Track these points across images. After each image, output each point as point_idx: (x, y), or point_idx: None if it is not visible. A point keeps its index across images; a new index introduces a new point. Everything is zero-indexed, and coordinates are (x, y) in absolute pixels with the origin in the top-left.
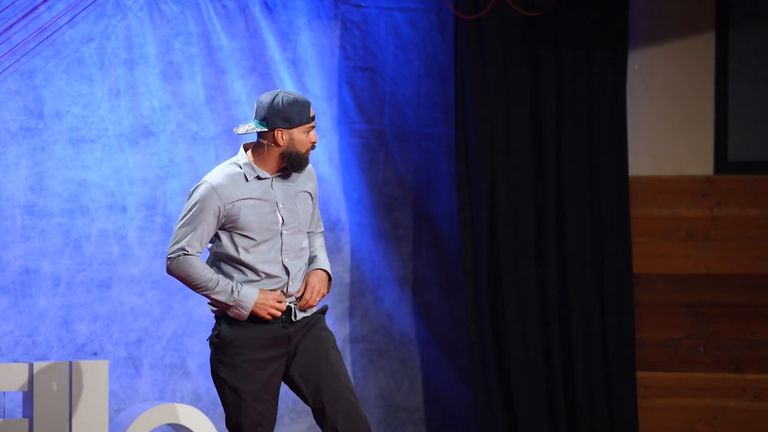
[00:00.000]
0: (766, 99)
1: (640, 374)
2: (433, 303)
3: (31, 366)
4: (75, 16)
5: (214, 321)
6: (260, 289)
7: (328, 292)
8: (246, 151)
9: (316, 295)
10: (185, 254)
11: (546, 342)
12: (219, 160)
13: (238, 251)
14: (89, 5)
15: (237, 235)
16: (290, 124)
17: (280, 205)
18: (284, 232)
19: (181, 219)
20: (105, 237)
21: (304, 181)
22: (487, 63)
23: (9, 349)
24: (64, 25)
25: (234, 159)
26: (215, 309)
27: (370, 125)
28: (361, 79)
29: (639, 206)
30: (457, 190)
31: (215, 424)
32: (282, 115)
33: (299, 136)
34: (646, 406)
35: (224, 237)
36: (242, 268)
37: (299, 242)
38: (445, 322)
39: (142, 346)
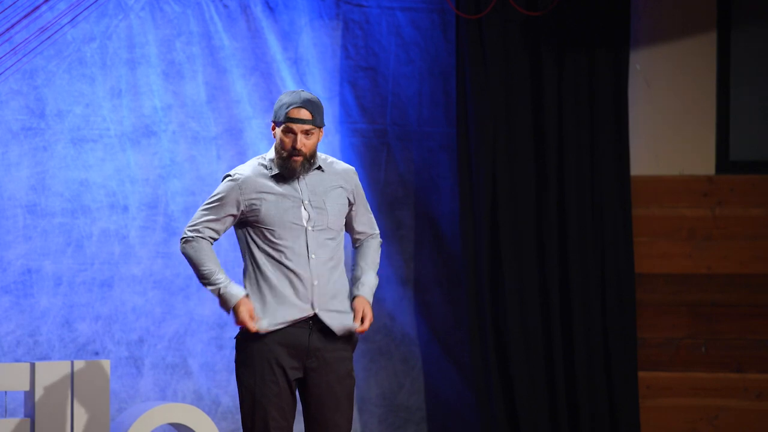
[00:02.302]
0: None
1: (641, 374)
2: (434, 302)
3: (32, 366)
4: (77, 15)
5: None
6: (243, 298)
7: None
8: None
9: (367, 323)
10: (198, 236)
11: (547, 341)
12: (220, 159)
13: (265, 245)
14: (91, 5)
15: (262, 229)
16: (274, 119)
17: (306, 202)
18: (309, 228)
19: (205, 204)
20: (106, 237)
21: (338, 178)
22: (489, 62)
23: (11, 349)
24: (65, 24)
25: (263, 154)
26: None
27: (372, 125)
28: (363, 78)
29: (640, 206)
30: (458, 189)
31: (216, 423)
32: (274, 108)
33: (279, 134)
34: (648, 405)
35: (252, 231)
36: (271, 261)
37: (329, 241)
38: (447, 321)
39: (144, 345)
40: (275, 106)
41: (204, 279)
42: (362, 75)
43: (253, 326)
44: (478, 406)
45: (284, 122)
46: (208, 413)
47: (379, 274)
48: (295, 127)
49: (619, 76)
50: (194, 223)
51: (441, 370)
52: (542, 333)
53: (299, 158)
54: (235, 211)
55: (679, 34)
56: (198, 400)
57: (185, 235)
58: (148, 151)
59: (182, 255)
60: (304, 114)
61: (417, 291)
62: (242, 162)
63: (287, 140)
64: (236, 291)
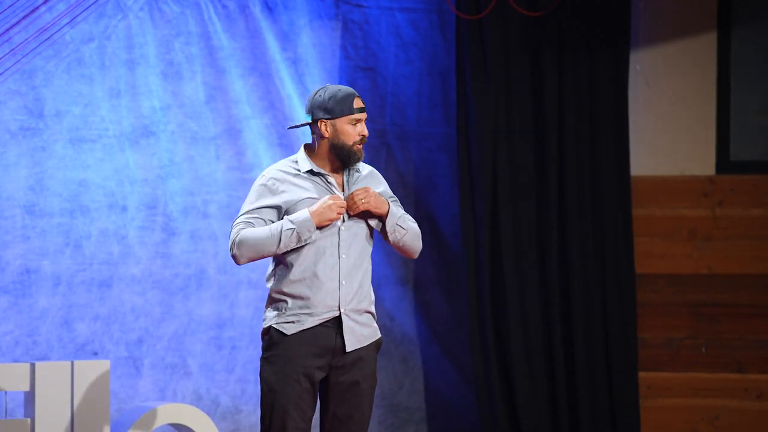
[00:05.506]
0: None
1: (642, 374)
2: (434, 302)
3: (33, 366)
4: (76, 16)
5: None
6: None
7: (383, 216)
8: (304, 149)
9: (363, 194)
10: (240, 229)
11: (548, 341)
12: (219, 159)
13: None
14: (90, 5)
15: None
16: (331, 115)
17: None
18: (342, 228)
19: (239, 213)
20: (105, 237)
21: (370, 183)
22: (489, 63)
23: (9, 349)
24: (64, 25)
25: (292, 156)
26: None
27: (372, 125)
28: (362, 79)
29: (641, 206)
30: (458, 189)
31: (216, 424)
32: (323, 107)
33: (343, 127)
34: (648, 406)
35: None
36: (300, 258)
37: (360, 243)
38: (447, 321)
39: (143, 345)
40: (327, 103)
41: (274, 240)
42: (361, 75)
43: (339, 201)
44: (478, 406)
45: (351, 113)
46: (208, 413)
47: (378, 273)
48: (362, 116)
49: (620, 76)
50: (231, 236)
51: (441, 370)
52: (542, 333)
53: (361, 145)
54: (273, 199)
55: (680, 34)
56: (197, 401)
57: (231, 252)
58: (147, 152)
59: (241, 261)
60: (362, 103)
61: (417, 291)
62: (241, 161)
63: (355, 130)
64: (299, 215)
